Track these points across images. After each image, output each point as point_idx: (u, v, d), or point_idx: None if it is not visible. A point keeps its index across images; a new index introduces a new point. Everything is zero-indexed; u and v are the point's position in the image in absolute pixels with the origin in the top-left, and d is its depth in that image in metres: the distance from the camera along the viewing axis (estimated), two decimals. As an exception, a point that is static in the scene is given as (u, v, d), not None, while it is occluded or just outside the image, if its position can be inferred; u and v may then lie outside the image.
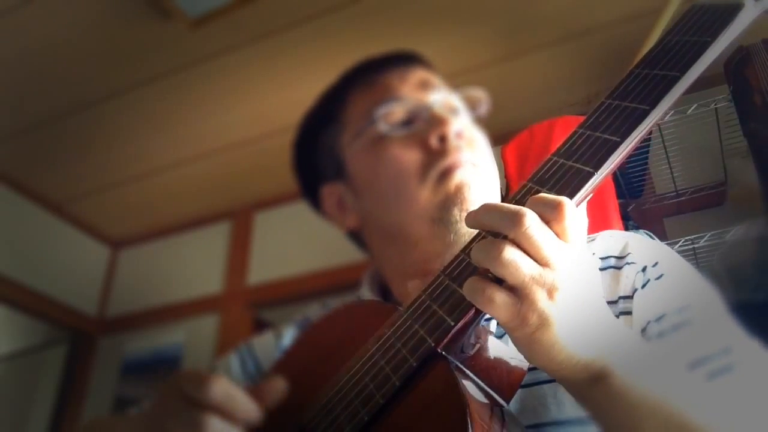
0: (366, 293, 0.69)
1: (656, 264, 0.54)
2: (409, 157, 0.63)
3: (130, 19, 1.66)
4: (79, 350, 2.47)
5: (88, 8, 1.62)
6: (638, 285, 0.53)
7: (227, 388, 0.44)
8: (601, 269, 0.57)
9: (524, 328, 0.40)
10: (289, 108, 2.13)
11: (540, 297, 0.40)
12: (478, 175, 0.63)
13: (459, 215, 0.60)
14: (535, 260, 0.40)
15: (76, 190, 2.39)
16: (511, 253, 0.40)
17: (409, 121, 0.66)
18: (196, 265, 2.50)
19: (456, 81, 0.76)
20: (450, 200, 0.61)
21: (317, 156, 0.73)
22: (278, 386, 0.48)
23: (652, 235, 0.82)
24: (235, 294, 2.33)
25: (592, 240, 0.62)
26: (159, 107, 1.99)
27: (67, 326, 2.43)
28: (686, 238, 1.04)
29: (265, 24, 1.71)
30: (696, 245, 1.03)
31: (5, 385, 2.69)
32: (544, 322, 0.40)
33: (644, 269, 0.54)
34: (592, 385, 0.42)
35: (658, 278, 0.52)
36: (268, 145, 2.11)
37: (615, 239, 0.60)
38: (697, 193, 1.12)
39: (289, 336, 0.73)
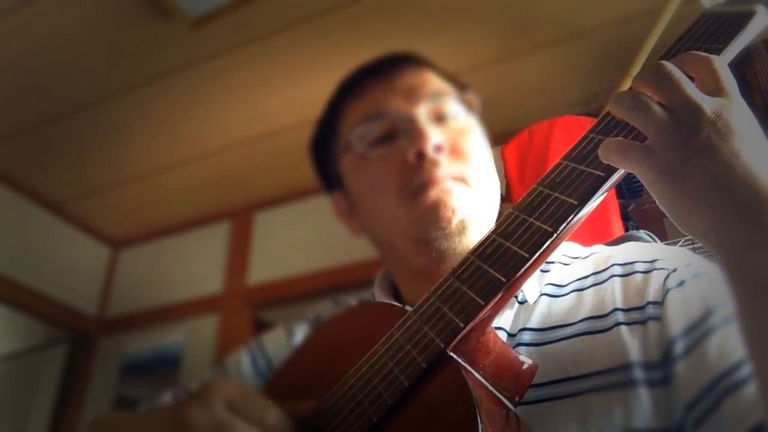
0: (377, 293, 0.69)
1: (689, 264, 0.52)
2: (387, 174, 0.61)
3: (130, 19, 1.66)
4: (79, 350, 2.48)
5: (88, 8, 1.62)
6: (672, 285, 0.50)
7: (282, 421, 0.45)
8: (624, 275, 0.54)
9: (694, 140, 0.38)
10: (289, 108, 2.13)
11: (710, 110, 0.39)
12: (460, 189, 0.60)
13: (436, 233, 0.58)
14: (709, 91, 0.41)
15: (76, 190, 2.39)
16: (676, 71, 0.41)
17: (390, 136, 0.63)
18: (196, 265, 2.50)
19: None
20: (425, 218, 0.58)
21: (325, 164, 0.74)
22: (309, 408, 0.50)
23: (652, 235, 0.82)
24: (235, 294, 2.33)
25: (614, 249, 0.60)
26: (159, 107, 1.99)
27: (67, 326, 2.44)
28: (686, 238, 1.03)
29: (265, 24, 1.71)
30: (695, 245, 1.03)
31: (5, 385, 2.68)
32: (720, 128, 0.38)
33: (675, 270, 0.52)
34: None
35: (695, 276, 0.50)
36: (268, 145, 2.11)
37: (641, 246, 0.58)
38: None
39: (300, 333, 0.72)
